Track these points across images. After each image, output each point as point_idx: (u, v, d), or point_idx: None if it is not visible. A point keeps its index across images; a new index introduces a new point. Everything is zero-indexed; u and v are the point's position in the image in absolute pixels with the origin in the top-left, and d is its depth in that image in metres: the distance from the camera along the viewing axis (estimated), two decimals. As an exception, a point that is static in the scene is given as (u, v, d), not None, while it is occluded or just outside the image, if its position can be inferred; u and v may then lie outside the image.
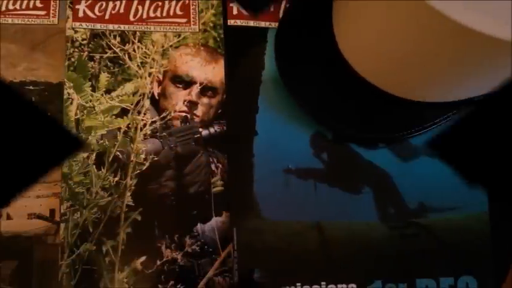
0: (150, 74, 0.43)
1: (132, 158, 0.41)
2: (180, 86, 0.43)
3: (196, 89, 0.43)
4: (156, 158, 0.41)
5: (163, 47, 0.44)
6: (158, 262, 0.39)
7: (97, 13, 0.44)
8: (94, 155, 0.40)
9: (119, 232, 0.39)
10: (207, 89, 0.43)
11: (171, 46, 0.44)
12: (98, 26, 0.44)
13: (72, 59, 0.42)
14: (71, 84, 0.42)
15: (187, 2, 0.45)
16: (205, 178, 0.41)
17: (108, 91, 0.42)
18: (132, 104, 0.42)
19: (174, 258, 0.39)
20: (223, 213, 0.41)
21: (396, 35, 0.33)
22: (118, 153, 0.41)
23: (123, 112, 0.42)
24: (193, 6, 0.45)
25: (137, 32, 0.44)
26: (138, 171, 0.40)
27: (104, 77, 0.42)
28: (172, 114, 0.42)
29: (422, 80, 0.36)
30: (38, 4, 0.44)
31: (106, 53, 0.43)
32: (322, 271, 0.38)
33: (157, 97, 0.43)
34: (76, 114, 0.41)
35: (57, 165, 0.37)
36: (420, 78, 0.36)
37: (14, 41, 0.43)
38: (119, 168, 0.40)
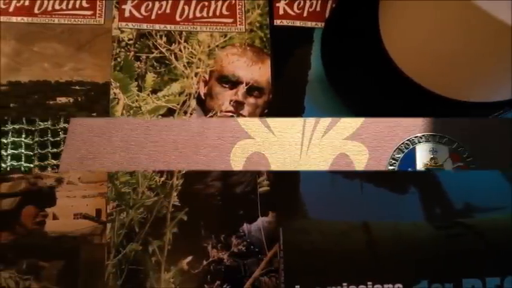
0: (196, 74, 0.43)
1: (178, 158, 0.41)
2: (227, 86, 0.43)
3: (242, 89, 0.43)
4: (202, 158, 0.41)
5: (209, 47, 0.44)
6: (204, 262, 0.39)
7: (143, 13, 0.44)
8: (140, 154, 0.40)
9: (165, 232, 0.39)
10: (253, 89, 0.43)
11: (217, 46, 0.44)
12: (144, 26, 0.44)
13: (119, 59, 0.43)
14: (117, 84, 0.42)
15: (233, 2, 0.45)
16: (251, 178, 0.41)
17: (154, 91, 0.42)
18: (178, 104, 0.42)
19: (220, 258, 0.39)
20: (269, 213, 0.40)
21: (443, 35, 0.34)
22: (164, 153, 0.41)
23: (170, 112, 0.42)
24: (240, 6, 0.45)
25: (183, 32, 0.44)
26: (185, 171, 0.40)
27: (150, 77, 0.42)
28: (219, 114, 0.42)
29: (468, 80, 0.36)
30: (84, 4, 0.44)
31: (152, 53, 0.43)
32: (368, 271, 0.38)
33: (203, 97, 0.43)
34: (122, 114, 0.41)
35: None
36: (466, 77, 0.36)
37: (61, 41, 0.43)
38: (165, 168, 0.40)
